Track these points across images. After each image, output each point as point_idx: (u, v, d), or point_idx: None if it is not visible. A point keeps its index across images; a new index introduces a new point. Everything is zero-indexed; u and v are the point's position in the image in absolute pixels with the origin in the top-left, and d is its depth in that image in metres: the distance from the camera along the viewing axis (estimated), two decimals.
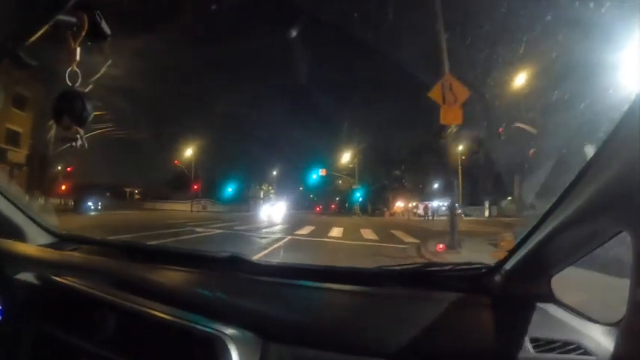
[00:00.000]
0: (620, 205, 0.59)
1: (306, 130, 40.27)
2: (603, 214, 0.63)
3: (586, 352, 0.70)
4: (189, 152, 29.30)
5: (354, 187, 28.44)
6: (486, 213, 23.27)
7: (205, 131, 29.51)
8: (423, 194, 27.90)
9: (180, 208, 25.85)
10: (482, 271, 0.93)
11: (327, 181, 34.45)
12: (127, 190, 30.95)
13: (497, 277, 0.87)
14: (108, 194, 23.43)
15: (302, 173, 32.44)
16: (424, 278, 1.01)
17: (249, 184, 38.39)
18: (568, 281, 0.86)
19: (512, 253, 0.85)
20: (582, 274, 1.11)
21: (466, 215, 24.01)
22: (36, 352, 0.96)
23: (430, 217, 23.12)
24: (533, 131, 11.82)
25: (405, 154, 28.27)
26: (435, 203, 26.21)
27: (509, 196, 19.94)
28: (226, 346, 0.75)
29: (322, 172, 29.34)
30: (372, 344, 0.79)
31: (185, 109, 33.02)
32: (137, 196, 31.27)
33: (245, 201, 31.66)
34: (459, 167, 22.22)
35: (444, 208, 26.25)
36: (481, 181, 22.91)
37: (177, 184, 28.92)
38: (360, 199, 28.57)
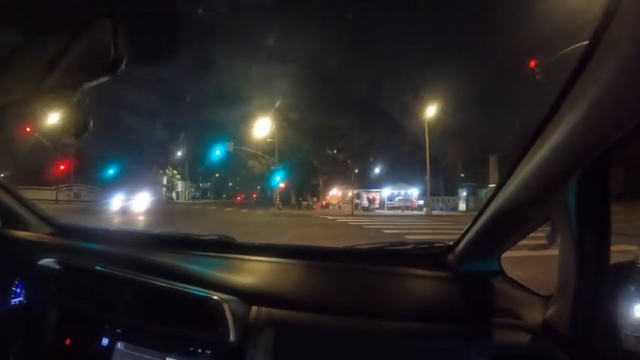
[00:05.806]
0: (543, 195, 0.69)
1: (215, 94, 29.75)
2: (530, 202, 0.73)
3: (518, 318, 0.85)
4: (53, 119, 18.38)
5: (272, 167, 20.09)
6: (462, 206, 17.63)
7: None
8: (365, 180, 21.21)
9: (44, 196, 19.43)
10: (443, 250, 1.07)
11: (241, 161, 25.80)
12: None
13: (451, 256, 1.02)
14: None
15: (209, 152, 23.56)
16: (390, 256, 1.18)
17: (151, 167, 30.05)
18: (522, 259, 1.31)
19: (464, 234, 0.97)
20: (538, 252, 1.52)
21: (421, 208, 18.36)
22: (61, 327, 1.09)
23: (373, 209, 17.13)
24: None
25: (345, 129, 20.64)
26: (385, 192, 19.95)
27: (491, 182, 14.13)
28: (222, 307, 0.92)
29: (229, 146, 20.66)
30: (334, 305, 0.97)
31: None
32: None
33: (138, 188, 21.86)
34: (427, 144, 15.83)
35: (398, 199, 20.43)
36: (456, 163, 16.78)
37: (39, 164, 21.26)
38: (282, 185, 20.39)
